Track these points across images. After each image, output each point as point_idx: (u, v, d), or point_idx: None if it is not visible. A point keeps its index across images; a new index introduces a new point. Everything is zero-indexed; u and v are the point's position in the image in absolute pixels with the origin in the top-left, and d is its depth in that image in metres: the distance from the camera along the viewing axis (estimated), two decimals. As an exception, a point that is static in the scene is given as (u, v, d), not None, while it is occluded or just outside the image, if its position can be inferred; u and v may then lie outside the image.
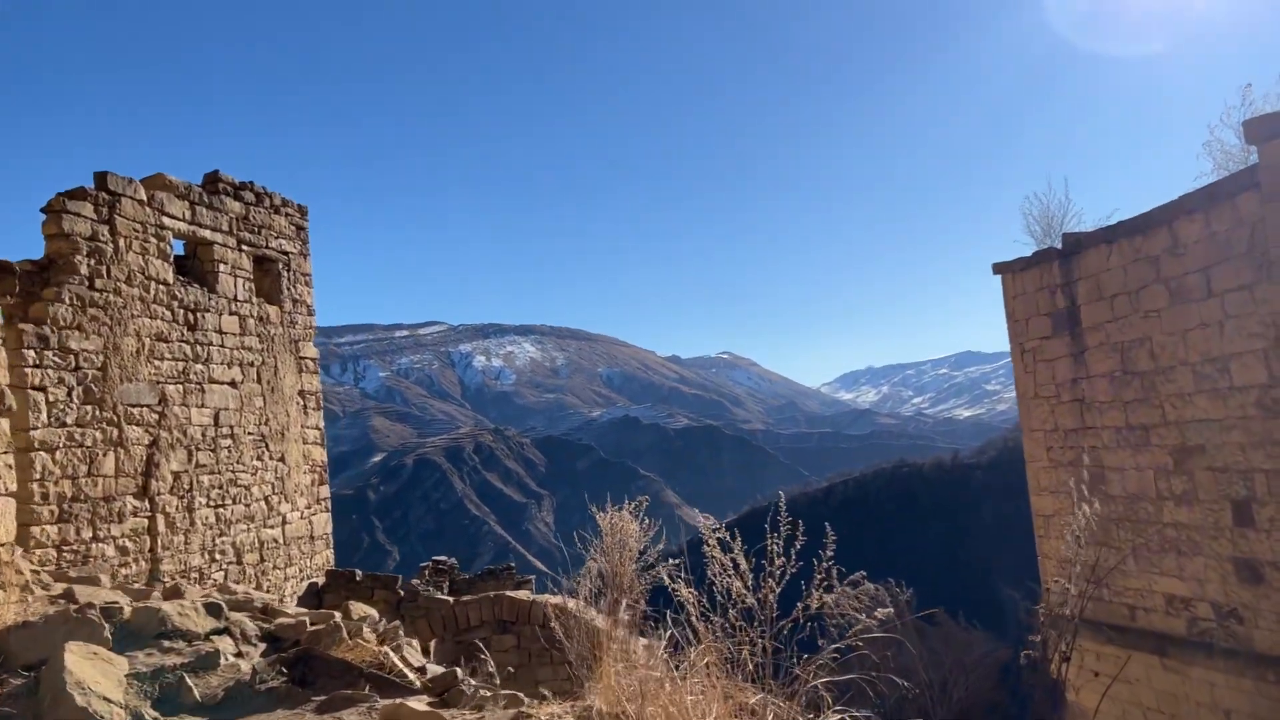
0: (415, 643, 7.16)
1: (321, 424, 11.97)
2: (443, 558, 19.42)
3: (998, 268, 11.87)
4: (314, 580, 11.45)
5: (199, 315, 9.77)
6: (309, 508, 11.61)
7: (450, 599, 11.62)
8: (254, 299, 10.77)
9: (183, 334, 9.49)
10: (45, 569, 7.28)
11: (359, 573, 11.71)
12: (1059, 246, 10.86)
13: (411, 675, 5.90)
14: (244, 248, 10.66)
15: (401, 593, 11.50)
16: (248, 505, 10.29)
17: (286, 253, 11.55)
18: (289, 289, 11.55)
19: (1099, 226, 10.35)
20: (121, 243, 8.76)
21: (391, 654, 6.11)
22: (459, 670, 6.06)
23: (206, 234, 10.08)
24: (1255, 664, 8.51)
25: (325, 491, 11.89)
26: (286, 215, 11.55)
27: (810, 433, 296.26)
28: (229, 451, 10.02)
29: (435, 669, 6.33)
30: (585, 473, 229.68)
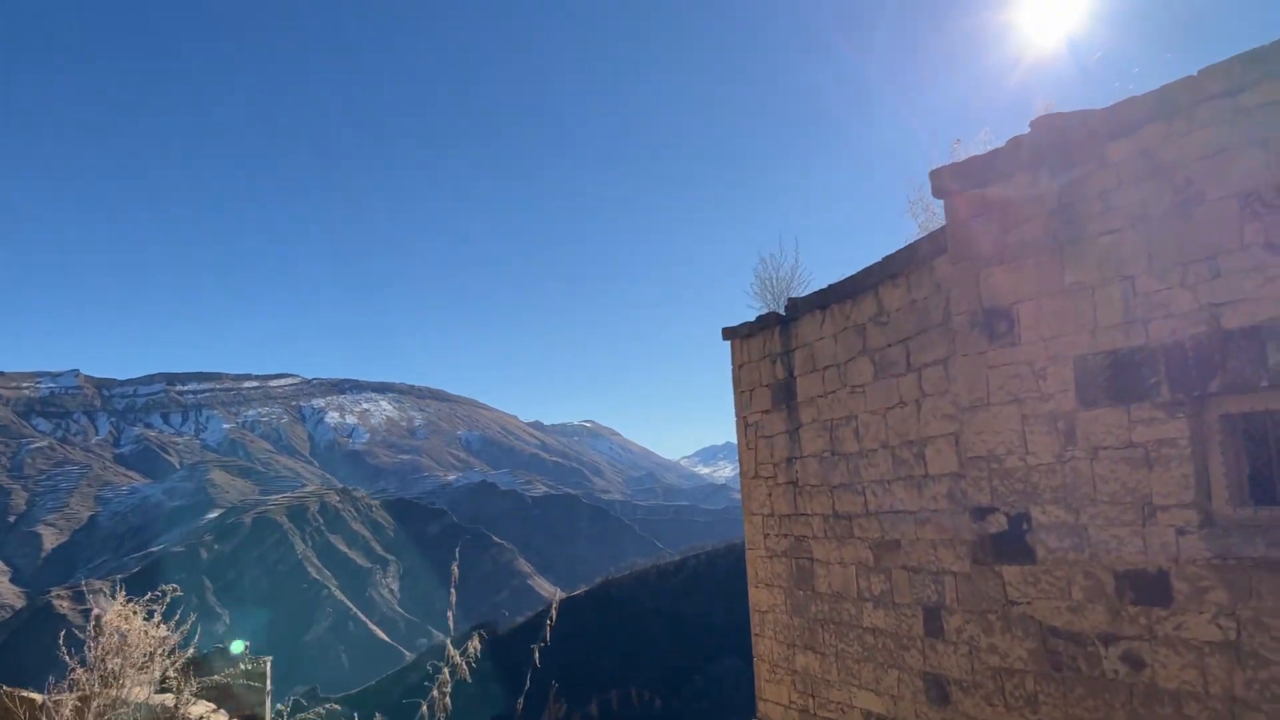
0: None
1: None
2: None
3: (726, 333, 10.77)
4: None
5: None
6: None
7: None
8: None
9: None
10: None
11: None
12: (782, 312, 9.82)
13: None
14: None
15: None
16: None
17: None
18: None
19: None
20: None
21: None
22: None
23: None
24: (940, 800, 7.32)
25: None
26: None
27: (667, 505, 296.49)
28: None
29: None
30: (436, 539, 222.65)
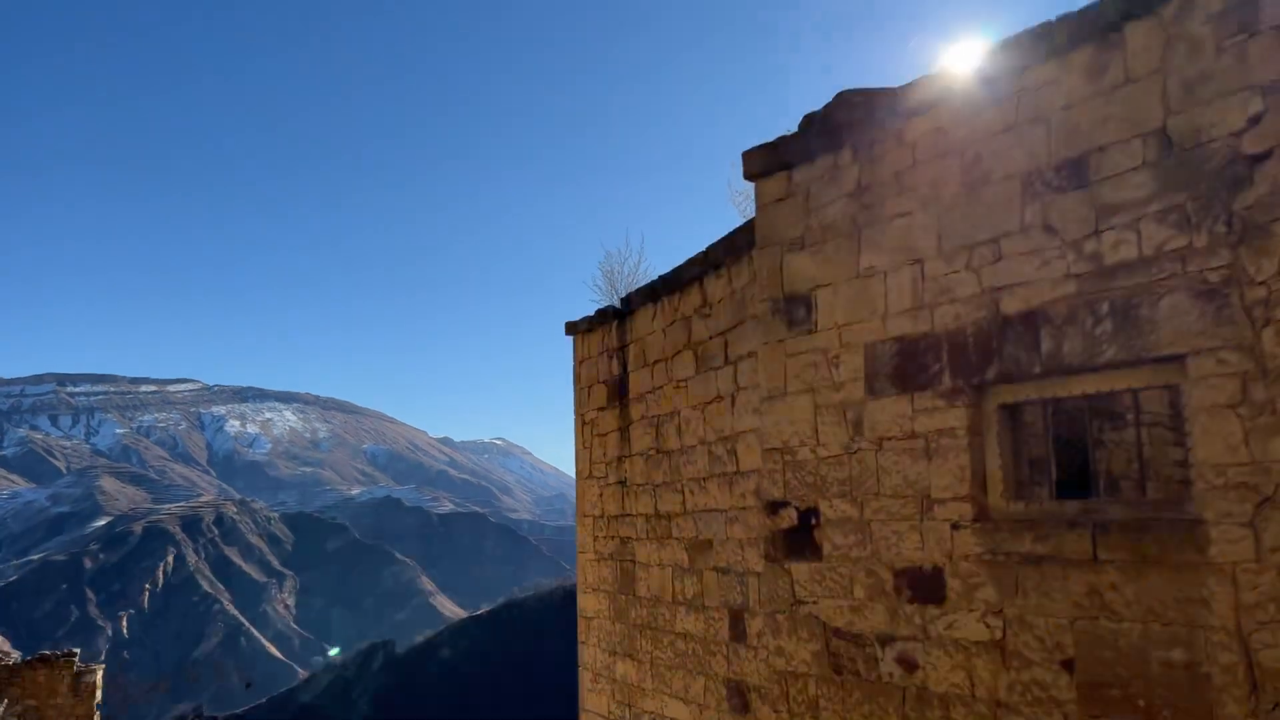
0: None
1: None
2: (-21, 638, 15.89)
3: (569, 328, 10.38)
4: None
5: None
6: None
7: None
8: None
9: None
10: None
11: None
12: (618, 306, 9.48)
13: None
14: None
15: None
16: None
17: None
18: None
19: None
20: None
21: None
22: None
23: None
24: (737, 814, 6.96)
25: None
26: None
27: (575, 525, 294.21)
28: None
29: None
30: (336, 554, 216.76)
